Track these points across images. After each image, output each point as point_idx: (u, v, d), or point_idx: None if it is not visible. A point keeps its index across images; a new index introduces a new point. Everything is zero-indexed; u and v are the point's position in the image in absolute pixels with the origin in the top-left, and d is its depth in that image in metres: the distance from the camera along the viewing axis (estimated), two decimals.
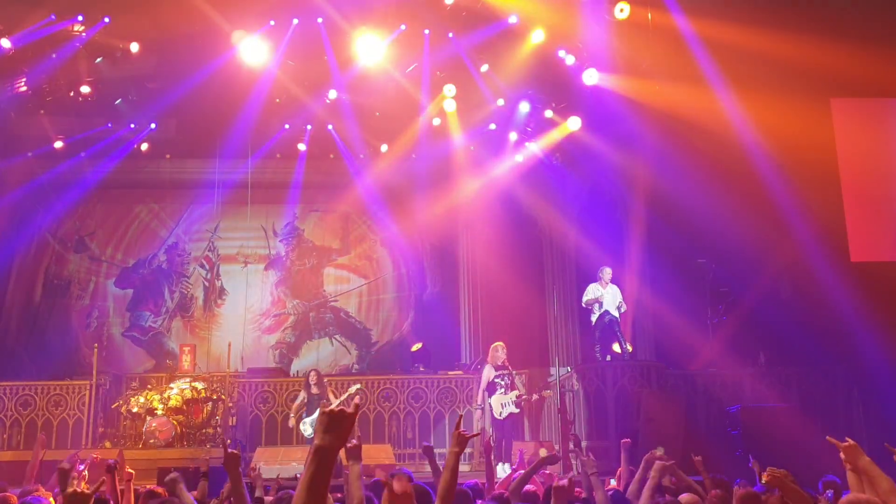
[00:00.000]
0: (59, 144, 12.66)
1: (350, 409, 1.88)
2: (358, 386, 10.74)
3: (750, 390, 10.75)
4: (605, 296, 10.91)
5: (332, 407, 1.86)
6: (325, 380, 10.81)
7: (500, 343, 10.26)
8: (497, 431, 10.04)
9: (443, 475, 2.88)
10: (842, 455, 3.51)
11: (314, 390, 10.57)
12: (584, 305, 11.15)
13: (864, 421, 10.33)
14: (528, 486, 5.14)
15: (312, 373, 10.86)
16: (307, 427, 10.37)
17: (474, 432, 10.91)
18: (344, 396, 10.39)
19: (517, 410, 10.06)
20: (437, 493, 2.93)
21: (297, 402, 10.64)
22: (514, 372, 10.16)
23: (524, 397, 10.19)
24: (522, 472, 6.24)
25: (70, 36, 10.84)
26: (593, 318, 11.08)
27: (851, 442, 3.50)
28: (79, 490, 2.33)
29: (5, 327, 13.39)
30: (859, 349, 10.23)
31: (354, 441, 3.53)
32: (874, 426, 10.05)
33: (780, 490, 3.73)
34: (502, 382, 10.03)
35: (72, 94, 11.99)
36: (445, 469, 2.92)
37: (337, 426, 1.83)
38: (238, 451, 3.83)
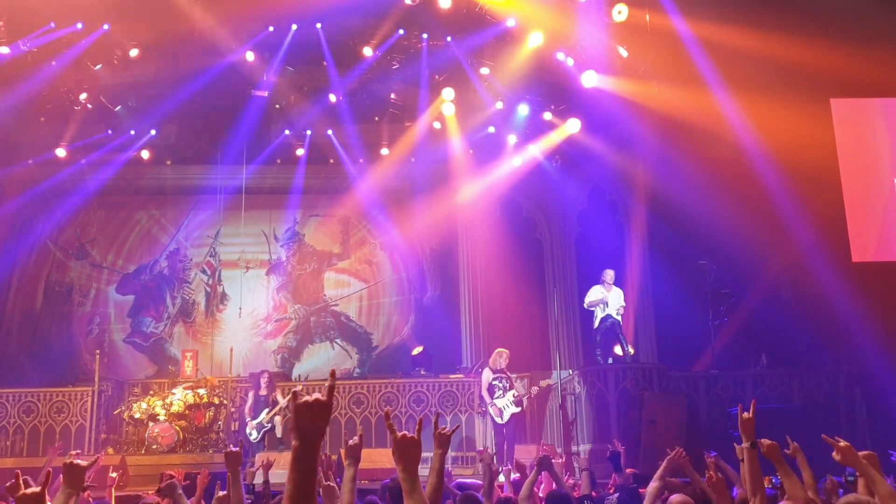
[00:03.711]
0: (61, 153, 12.67)
1: (324, 397, 1.73)
2: (298, 387, 10.81)
3: (752, 392, 10.75)
4: (609, 298, 10.95)
5: (306, 398, 1.71)
6: (276, 382, 10.88)
7: (506, 351, 10.38)
8: (499, 436, 10.08)
9: (429, 478, 2.81)
10: (837, 456, 3.43)
11: (262, 391, 10.56)
12: (586, 307, 11.19)
13: (867, 422, 10.31)
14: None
15: (265, 373, 10.87)
16: (252, 432, 10.34)
17: (476, 438, 10.94)
18: (287, 398, 10.38)
19: (518, 409, 10.12)
20: (426, 494, 2.75)
21: (247, 405, 10.63)
22: (513, 376, 10.24)
23: (523, 395, 10.27)
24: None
25: (70, 43, 10.85)
26: (596, 321, 11.10)
27: (845, 443, 3.43)
28: (28, 492, 2.30)
29: (7, 334, 13.39)
30: (861, 350, 10.22)
31: (356, 439, 3.42)
32: (877, 427, 10.03)
33: (773, 461, 3.75)
34: (500, 385, 10.13)
35: (71, 101, 12.02)
36: (431, 471, 2.83)
37: (309, 418, 1.70)
38: (240, 450, 3.80)
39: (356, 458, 3.34)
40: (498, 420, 10.06)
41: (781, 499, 4.26)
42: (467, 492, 4.41)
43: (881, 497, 3.17)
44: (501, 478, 6.72)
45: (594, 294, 11.07)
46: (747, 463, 3.45)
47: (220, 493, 3.87)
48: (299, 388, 10.30)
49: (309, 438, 1.69)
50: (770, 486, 5.59)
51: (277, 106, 12.81)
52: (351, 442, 3.40)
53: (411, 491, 2.22)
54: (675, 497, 3.77)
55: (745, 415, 3.53)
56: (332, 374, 1.80)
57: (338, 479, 4.27)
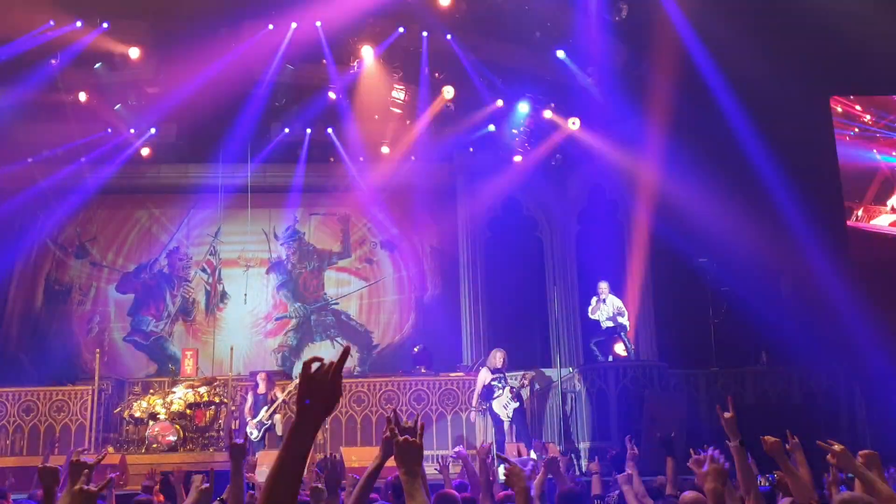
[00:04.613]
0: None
1: (335, 364, 1.66)
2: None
3: (752, 390, 10.75)
4: (602, 308, 11.06)
5: (319, 367, 1.65)
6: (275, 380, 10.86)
7: (501, 351, 10.57)
8: (499, 434, 10.15)
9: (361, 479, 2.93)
10: (833, 460, 3.33)
11: (261, 389, 10.56)
12: (591, 316, 11.34)
13: (866, 419, 10.32)
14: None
15: (262, 373, 10.89)
16: (253, 430, 10.35)
17: (476, 436, 10.98)
18: (286, 392, 10.43)
19: (517, 404, 10.21)
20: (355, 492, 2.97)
21: (247, 405, 10.63)
22: (511, 375, 10.37)
23: (517, 387, 10.41)
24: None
25: (69, 41, 10.84)
26: (602, 322, 11.20)
27: (840, 447, 3.32)
28: (86, 488, 2.29)
29: (6, 333, 13.39)
30: (861, 347, 10.22)
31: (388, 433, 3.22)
32: (877, 425, 10.04)
33: (776, 459, 3.69)
34: (499, 385, 10.24)
35: (71, 99, 12.00)
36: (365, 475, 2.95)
37: (318, 387, 1.64)
38: (244, 442, 3.77)
39: (387, 453, 3.09)
40: (505, 419, 10.09)
41: (778, 496, 4.25)
42: (441, 491, 4.32)
43: (881, 499, 3.09)
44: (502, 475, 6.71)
45: (592, 302, 11.24)
46: (737, 461, 3.43)
47: (204, 486, 3.84)
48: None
49: (310, 417, 1.64)
50: (766, 484, 5.59)
51: (277, 104, 12.79)
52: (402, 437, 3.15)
53: (413, 492, 2.23)
54: (688, 494, 3.76)
55: (727, 414, 3.51)
56: (346, 349, 1.71)
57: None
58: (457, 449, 9.76)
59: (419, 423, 2.49)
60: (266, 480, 1.63)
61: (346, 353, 1.69)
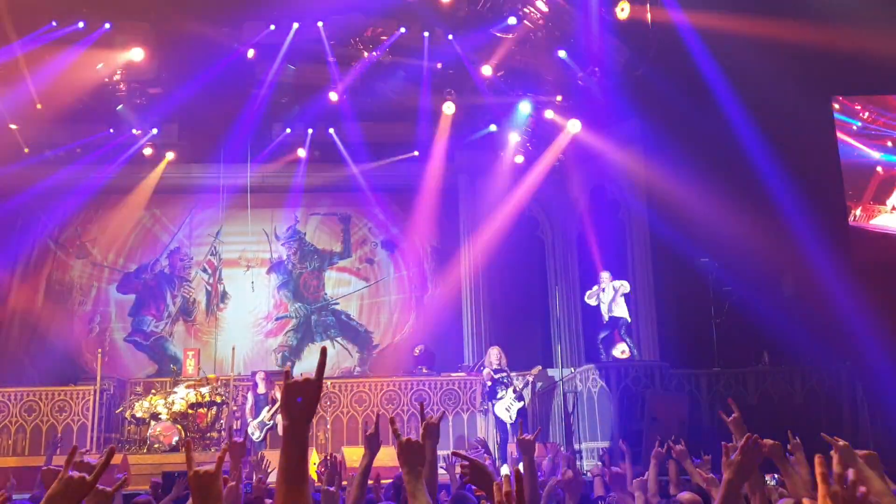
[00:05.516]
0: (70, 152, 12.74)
1: (314, 376, 1.75)
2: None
3: (754, 389, 10.75)
4: (602, 295, 11.03)
5: (296, 377, 1.75)
6: (273, 379, 10.83)
7: (496, 348, 10.56)
8: (503, 435, 10.16)
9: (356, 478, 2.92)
10: (836, 455, 3.32)
11: (260, 390, 10.55)
12: (587, 300, 11.28)
13: (869, 419, 10.31)
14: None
15: (260, 372, 10.89)
16: (254, 430, 10.35)
17: (479, 436, 11.00)
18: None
19: (521, 403, 10.23)
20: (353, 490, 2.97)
21: (248, 405, 10.64)
22: (512, 374, 10.35)
23: (521, 387, 10.43)
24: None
25: (71, 42, 10.85)
26: (605, 317, 11.16)
27: (844, 442, 3.39)
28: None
29: (7, 333, 13.39)
30: (863, 346, 10.22)
31: (371, 430, 3.37)
32: (879, 425, 10.03)
33: (775, 460, 3.71)
34: (502, 385, 10.22)
35: (73, 99, 12.00)
36: (358, 472, 2.97)
37: (299, 397, 1.72)
38: (244, 441, 3.78)
39: (372, 449, 3.26)
40: (509, 420, 10.08)
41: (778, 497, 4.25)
42: (460, 491, 4.33)
43: (874, 493, 3.17)
44: (505, 471, 6.72)
45: (592, 289, 11.22)
46: None
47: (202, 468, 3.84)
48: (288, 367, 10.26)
49: (299, 417, 1.72)
50: (772, 483, 5.58)
51: (278, 103, 12.80)
52: (367, 432, 3.31)
53: (415, 493, 2.22)
54: (685, 494, 3.76)
55: (733, 415, 3.53)
56: (323, 351, 1.78)
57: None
58: (474, 439, 9.80)
59: (426, 427, 2.49)
60: (276, 486, 1.72)
61: (324, 355, 1.78)
